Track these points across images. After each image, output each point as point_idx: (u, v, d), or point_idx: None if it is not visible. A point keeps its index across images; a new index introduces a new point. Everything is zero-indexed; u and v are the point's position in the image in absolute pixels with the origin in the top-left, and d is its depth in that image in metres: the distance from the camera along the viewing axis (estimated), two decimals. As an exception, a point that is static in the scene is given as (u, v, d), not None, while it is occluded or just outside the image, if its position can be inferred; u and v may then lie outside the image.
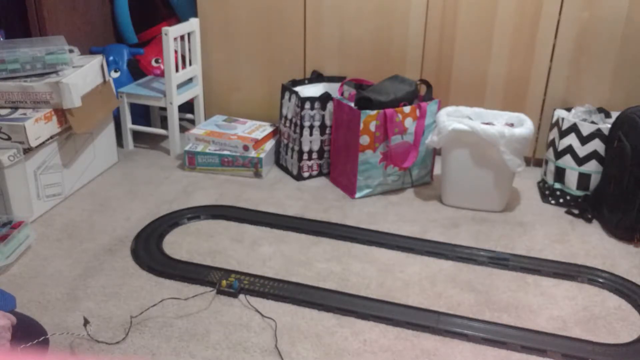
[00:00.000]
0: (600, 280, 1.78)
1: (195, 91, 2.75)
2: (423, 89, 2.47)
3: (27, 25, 2.47)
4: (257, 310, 1.61)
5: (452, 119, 2.14)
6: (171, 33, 2.42)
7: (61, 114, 2.10)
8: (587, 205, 2.17)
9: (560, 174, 2.23)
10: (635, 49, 2.29)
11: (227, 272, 1.76)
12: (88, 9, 2.74)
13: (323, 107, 2.35)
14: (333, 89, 2.51)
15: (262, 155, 2.41)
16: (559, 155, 2.21)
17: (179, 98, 2.60)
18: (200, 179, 2.41)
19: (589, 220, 2.14)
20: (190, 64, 2.68)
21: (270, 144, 2.52)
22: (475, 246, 1.95)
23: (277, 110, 2.73)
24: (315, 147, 2.40)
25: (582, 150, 2.15)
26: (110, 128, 2.49)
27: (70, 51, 2.20)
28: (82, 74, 2.17)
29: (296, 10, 2.57)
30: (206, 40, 2.72)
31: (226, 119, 2.67)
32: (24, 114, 2.01)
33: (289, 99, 2.40)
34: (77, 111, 2.12)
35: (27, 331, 1.22)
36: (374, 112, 2.16)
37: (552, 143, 2.27)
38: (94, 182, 2.37)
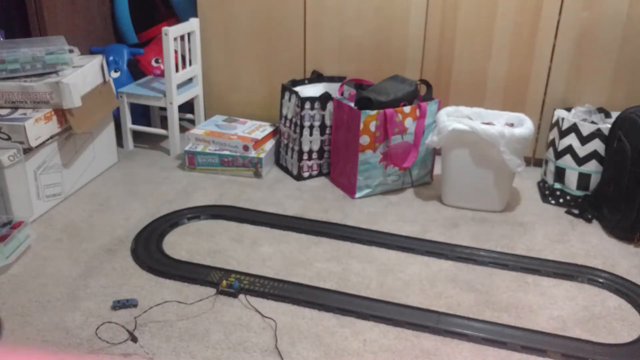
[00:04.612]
0: (600, 280, 1.78)
1: (195, 91, 2.75)
2: (423, 89, 2.48)
3: (27, 25, 2.47)
4: (257, 310, 1.61)
5: (452, 119, 2.15)
6: (171, 33, 2.42)
7: (61, 114, 2.10)
8: (587, 205, 2.17)
9: (560, 174, 2.23)
10: (635, 49, 2.29)
11: (227, 272, 1.76)
12: (88, 9, 2.74)
13: (323, 107, 2.35)
14: (333, 89, 2.51)
15: (262, 155, 2.41)
16: (559, 155, 2.21)
17: (179, 98, 2.60)
18: (200, 179, 2.41)
19: (589, 220, 2.14)
20: (190, 64, 2.68)
21: (270, 144, 2.52)
22: (475, 246, 1.95)
23: (277, 110, 2.73)
24: (315, 147, 2.40)
25: (582, 150, 2.15)
26: (110, 128, 2.49)
27: (70, 51, 2.20)
28: (82, 74, 2.17)
29: (296, 11, 2.57)
30: (206, 40, 2.72)
31: (226, 119, 2.67)
32: (24, 114, 2.01)
33: (289, 99, 2.40)
34: (77, 111, 2.12)
35: None
36: (374, 112, 2.16)
37: (552, 143, 2.27)
38: (94, 182, 2.37)
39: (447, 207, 2.22)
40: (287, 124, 2.43)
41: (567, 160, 2.19)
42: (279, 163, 2.57)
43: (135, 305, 1.62)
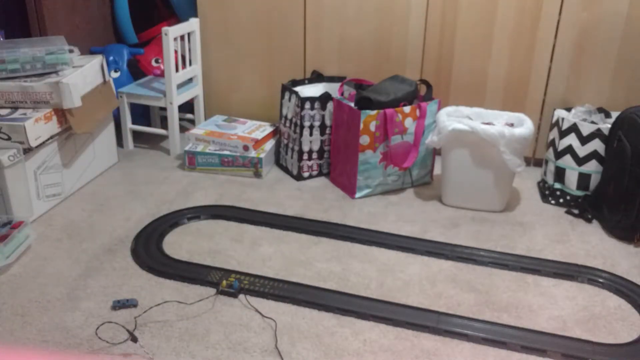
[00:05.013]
0: (600, 280, 1.78)
1: (195, 91, 2.75)
2: (423, 89, 2.48)
3: (27, 25, 2.47)
4: (257, 310, 1.61)
5: (452, 119, 2.15)
6: (171, 33, 2.42)
7: (61, 114, 2.10)
8: (587, 205, 2.17)
9: (560, 174, 2.23)
10: (635, 49, 2.29)
11: (227, 272, 1.76)
12: (88, 8, 2.74)
13: (323, 107, 2.35)
14: (333, 89, 2.51)
15: (262, 155, 2.41)
16: (559, 155, 2.21)
17: (179, 98, 2.60)
18: (200, 179, 2.41)
19: (589, 220, 2.14)
20: (190, 64, 2.68)
21: (270, 144, 2.52)
22: (475, 246, 1.95)
23: (277, 110, 2.73)
24: (315, 147, 2.40)
25: (582, 150, 2.15)
26: (110, 128, 2.49)
27: (70, 51, 2.20)
28: (82, 74, 2.17)
29: (296, 11, 2.57)
30: (206, 40, 2.72)
31: (226, 119, 2.68)
32: (24, 114, 2.01)
33: (289, 99, 2.40)
34: (77, 111, 2.12)
35: None
36: (374, 112, 2.16)
37: (552, 143, 2.27)
38: (94, 182, 2.37)
39: (447, 207, 2.22)
40: (287, 124, 2.43)
41: (567, 160, 2.19)
42: (279, 163, 2.57)
43: (135, 305, 1.62)
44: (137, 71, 2.79)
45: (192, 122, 2.90)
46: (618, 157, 2.01)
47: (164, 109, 2.63)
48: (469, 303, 1.67)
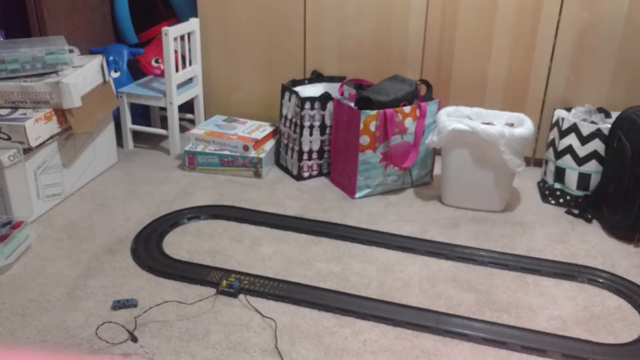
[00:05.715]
0: (600, 280, 1.78)
1: (195, 91, 2.75)
2: (423, 89, 2.48)
3: (27, 25, 2.47)
4: (257, 310, 1.61)
5: (452, 119, 2.15)
6: (171, 33, 2.42)
7: (61, 114, 2.10)
8: (587, 205, 2.17)
9: (560, 174, 2.23)
10: (635, 49, 2.29)
11: (227, 272, 1.76)
12: (88, 9, 2.74)
13: (323, 107, 2.35)
14: (333, 89, 2.51)
15: (262, 155, 2.41)
16: (559, 155, 2.21)
17: (179, 98, 2.60)
18: (200, 179, 2.41)
19: (589, 220, 2.14)
20: (190, 64, 2.68)
21: (270, 144, 2.52)
22: (475, 246, 1.95)
23: (277, 110, 2.73)
24: (315, 147, 2.40)
25: (582, 150, 2.15)
26: (110, 128, 2.49)
27: (70, 51, 2.20)
28: (82, 74, 2.17)
29: (296, 11, 2.57)
30: (206, 40, 2.72)
31: (226, 119, 2.67)
32: (24, 114, 2.01)
33: (289, 99, 2.40)
34: (77, 111, 2.12)
35: None
36: (374, 112, 2.16)
37: (552, 143, 2.27)
38: (94, 182, 2.37)
39: (447, 207, 2.22)
40: (287, 124, 2.43)
41: (567, 160, 2.19)
42: (279, 163, 2.57)
43: (135, 305, 1.62)
44: (137, 71, 2.79)
45: (192, 122, 2.90)
46: (618, 157, 2.01)
47: (164, 109, 2.63)
48: (469, 303, 1.67)
